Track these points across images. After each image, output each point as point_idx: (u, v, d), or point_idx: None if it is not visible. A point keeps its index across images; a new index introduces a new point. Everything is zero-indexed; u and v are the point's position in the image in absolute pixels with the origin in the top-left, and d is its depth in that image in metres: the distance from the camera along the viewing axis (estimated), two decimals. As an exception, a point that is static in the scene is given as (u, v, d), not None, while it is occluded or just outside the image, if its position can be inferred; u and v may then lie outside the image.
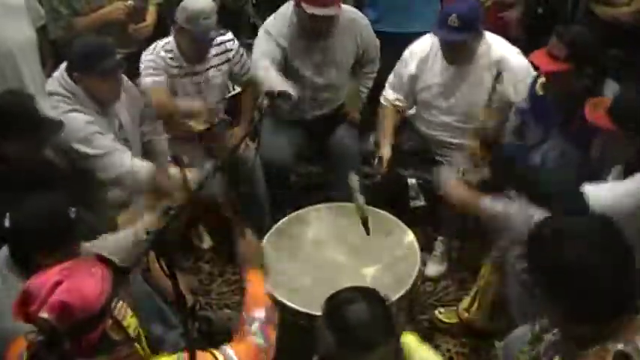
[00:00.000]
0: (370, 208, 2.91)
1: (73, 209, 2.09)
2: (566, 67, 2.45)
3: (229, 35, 3.28)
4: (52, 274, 1.67)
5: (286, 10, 3.22)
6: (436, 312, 2.99)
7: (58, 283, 1.64)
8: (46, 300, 1.62)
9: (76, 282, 1.66)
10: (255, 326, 2.00)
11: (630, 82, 2.58)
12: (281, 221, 2.84)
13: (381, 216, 2.84)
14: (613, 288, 1.55)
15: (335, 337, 1.49)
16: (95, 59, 2.70)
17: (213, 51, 3.22)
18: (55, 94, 2.75)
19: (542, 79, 2.66)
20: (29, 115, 2.46)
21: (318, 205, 2.92)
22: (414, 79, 3.14)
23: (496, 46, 2.99)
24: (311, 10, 3.02)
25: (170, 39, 3.15)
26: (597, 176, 2.35)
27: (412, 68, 3.12)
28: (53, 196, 2.15)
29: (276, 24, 3.21)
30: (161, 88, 3.11)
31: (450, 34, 2.87)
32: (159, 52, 3.13)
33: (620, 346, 1.53)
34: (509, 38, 3.10)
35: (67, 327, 1.63)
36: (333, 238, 2.78)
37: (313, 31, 3.16)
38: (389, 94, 3.23)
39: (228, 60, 3.29)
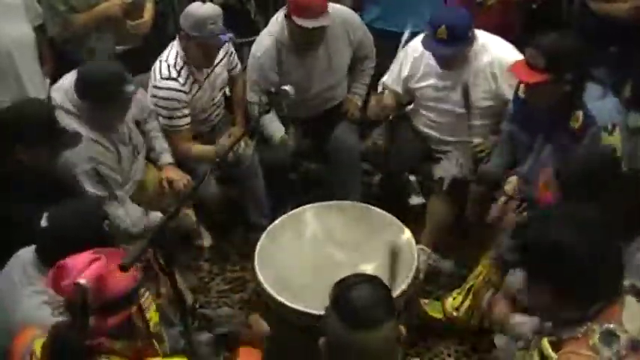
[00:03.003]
0: (367, 205, 2.92)
1: (107, 222, 2.14)
2: (545, 77, 2.46)
3: None
4: (87, 254, 1.75)
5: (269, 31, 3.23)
6: (421, 301, 2.95)
7: (94, 260, 1.73)
8: (81, 272, 1.70)
9: (111, 261, 1.74)
10: None
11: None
12: (277, 220, 2.83)
13: (378, 213, 2.84)
14: (602, 268, 1.63)
15: (342, 318, 1.56)
16: (110, 92, 2.65)
17: None
18: (63, 110, 2.69)
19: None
20: (48, 124, 2.47)
21: (315, 204, 2.90)
22: (408, 79, 3.14)
23: (490, 45, 2.98)
24: (301, 22, 3.02)
25: (172, 53, 3.08)
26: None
27: (406, 70, 3.13)
28: (91, 205, 2.25)
29: (261, 50, 3.21)
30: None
31: (438, 47, 2.87)
32: (174, 86, 3.05)
33: (606, 326, 1.61)
34: (510, 39, 3.07)
35: (98, 301, 1.69)
36: (330, 236, 2.77)
37: (304, 42, 3.16)
38: (387, 84, 3.23)
39: (226, 52, 3.28)
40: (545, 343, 1.68)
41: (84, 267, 1.71)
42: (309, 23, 3.03)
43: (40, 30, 3.23)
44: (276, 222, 2.82)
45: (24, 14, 3.12)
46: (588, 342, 1.61)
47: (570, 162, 2.20)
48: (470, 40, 2.90)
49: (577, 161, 2.21)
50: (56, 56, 3.33)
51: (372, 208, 2.89)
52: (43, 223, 2.09)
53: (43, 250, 2.11)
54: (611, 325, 1.62)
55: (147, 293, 1.87)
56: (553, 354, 1.65)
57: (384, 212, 2.84)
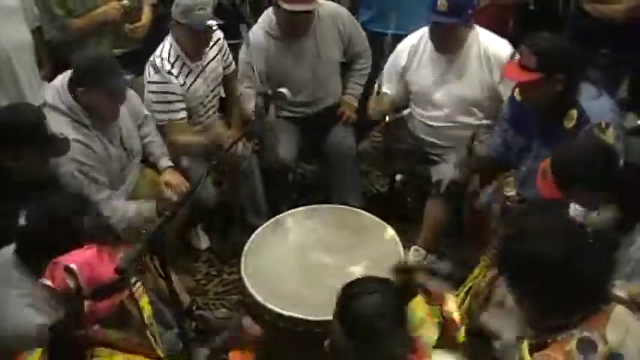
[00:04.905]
0: (347, 207, 2.93)
1: (86, 216, 2.12)
2: (537, 76, 2.47)
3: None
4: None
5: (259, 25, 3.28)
6: None
7: (85, 249, 1.82)
8: (71, 260, 1.77)
9: (98, 252, 1.82)
10: None
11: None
12: (260, 228, 2.81)
13: (360, 214, 2.84)
14: (580, 278, 1.62)
15: (345, 328, 1.53)
16: (105, 76, 2.67)
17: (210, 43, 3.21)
18: (53, 108, 2.70)
19: None
20: (37, 130, 2.45)
21: (294, 210, 2.89)
22: (404, 71, 3.15)
23: (484, 38, 3.01)
24: (286, 6, 3.08)
25: (166, 47, 3.10)
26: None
27: (402, 61, 3.15)
28: (67, 200, 2.21)
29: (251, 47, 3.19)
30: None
31: (438, 16, 2.90)
32: (168, 80, 3.07)
33: (585, 334, 1.60)
34: (505, 36, 3.09)
35: (89, 284, 1.75)
36: (315, 240, 2.75)
37: (291, 28, 3.19)
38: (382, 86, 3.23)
39: (220, 49, 3.30)
40: (523, 347, 1.67)
41: (72, 257, 1.78)
42: (293, 7, 3.08)
43: (37, 33, 3.24)
44: (257, 231, 2.79)
45: (22, 17, 3.13)
46: (564, 347, 1.60)
47: (565, 151, 2.16)
48: (468, 18, 2.93)
49: (572, 151, 2.17)
50: (54, 60, 3.33)
51: (352, 209, 2.90)
52: (22, 221, 2.07)
53: (22, 251, 2.10)
54: (591, 334, 1.60)
55: (138, 283, 1.91)
56: (528, 357, 1.64)
57: (364, 212, 2.84)
